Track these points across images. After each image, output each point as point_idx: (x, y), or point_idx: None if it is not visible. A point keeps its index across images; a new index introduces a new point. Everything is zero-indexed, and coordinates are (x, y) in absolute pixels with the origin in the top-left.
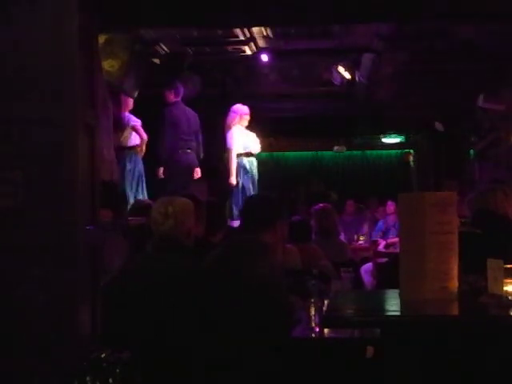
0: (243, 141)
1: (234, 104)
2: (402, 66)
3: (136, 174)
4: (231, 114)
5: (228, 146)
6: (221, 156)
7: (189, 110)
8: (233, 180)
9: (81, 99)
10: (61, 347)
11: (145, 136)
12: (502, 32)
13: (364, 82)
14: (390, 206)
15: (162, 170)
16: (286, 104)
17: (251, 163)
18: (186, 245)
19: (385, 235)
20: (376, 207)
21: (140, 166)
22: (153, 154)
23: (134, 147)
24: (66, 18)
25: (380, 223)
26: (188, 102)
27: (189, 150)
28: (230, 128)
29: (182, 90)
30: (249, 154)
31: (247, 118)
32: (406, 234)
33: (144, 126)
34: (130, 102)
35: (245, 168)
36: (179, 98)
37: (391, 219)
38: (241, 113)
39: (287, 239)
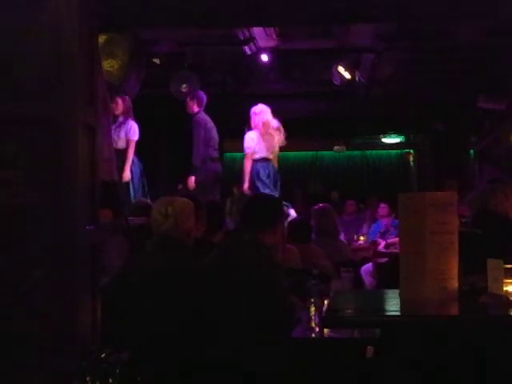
0: (256, 145)
1: (234, 104)
2: (401, 66)
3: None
4: (251, 116)
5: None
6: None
7: (209, 119)
8: (244, 186)
9: (81, 99)
10: (61, 347)
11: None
12: (502, 33)
13: (364, 82)
14: (383, 209)
15: (193, 178)
16: (286, 104)
17: (267, 168)
18: (186, 245)
19: (383, 236)
20: (376, 207)
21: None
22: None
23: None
24: (66, 17)
25: (374, 225)
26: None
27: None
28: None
29: (204, 99)
30: (263, 160)
31: (261, 118)
32: (405, 234)
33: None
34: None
35: (258, 174)
36: (202, 108)
37: (384, 221)
38: (254, 113)
39: (287, 239)
